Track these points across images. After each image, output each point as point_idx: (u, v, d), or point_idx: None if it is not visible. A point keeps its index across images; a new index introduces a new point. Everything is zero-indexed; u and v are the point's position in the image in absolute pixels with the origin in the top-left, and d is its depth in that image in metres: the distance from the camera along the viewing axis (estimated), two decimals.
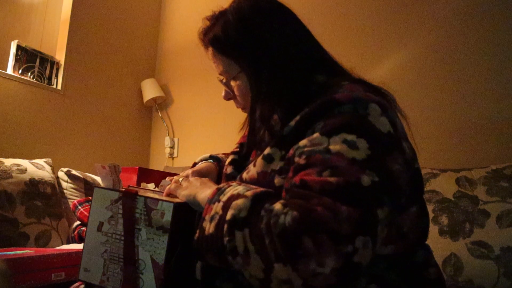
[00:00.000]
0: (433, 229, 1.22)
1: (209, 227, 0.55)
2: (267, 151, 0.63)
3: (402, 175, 0.55)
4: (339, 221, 0.45)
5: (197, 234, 0.58)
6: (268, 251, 0.47)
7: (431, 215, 1.24)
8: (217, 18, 0.72)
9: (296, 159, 0.56)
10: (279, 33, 0.68)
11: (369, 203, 0.48)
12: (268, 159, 0.63)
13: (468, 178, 1.26)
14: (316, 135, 0.56)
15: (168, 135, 2.53)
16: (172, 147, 2.50)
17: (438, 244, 1.19)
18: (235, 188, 0.58)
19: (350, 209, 0.46)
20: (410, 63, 1.72)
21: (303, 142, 0.57)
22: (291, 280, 0.46)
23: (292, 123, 0.61)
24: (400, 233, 0.59)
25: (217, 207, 0.56)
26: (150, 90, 2.47)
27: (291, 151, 0.59)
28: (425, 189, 1.31)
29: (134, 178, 1.67)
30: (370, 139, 0.53)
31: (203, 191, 0.65)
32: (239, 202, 0.53)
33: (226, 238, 0.52)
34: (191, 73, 2.50)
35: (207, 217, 0.57)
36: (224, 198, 0.57)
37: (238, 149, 0.84)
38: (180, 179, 0.74)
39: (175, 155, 2.49)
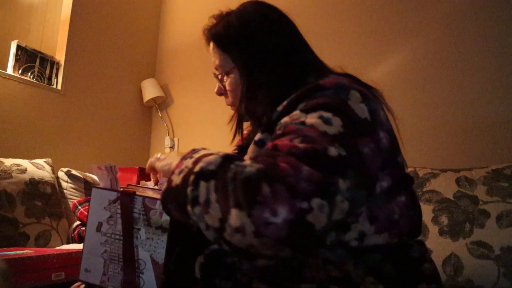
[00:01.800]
0: (433, 229, 1.22)
1: (176, 179, 0.57)
2: (258, 136, 0.66)
3: (371, 159, 0.56)
4: (299, 178, 0.47)
5: (164, 187, 0.60)
6: (228, 197, 0.49)
7: (431, 215, 1.24)
8: (223, 18, 0.78)
9: (276, 132, 0.60)
10: (275, 40, 0.73)
11: (331, 170, 0.50)
12: (260, 144, 0.65)
13: (468, 178, 1.26)
14: (296, 111, 0.59)
15: (168, 135, 2.53)
16: (172, 147, 2.50)
17: (438, 244, 1.19)
18: (210, 151, 0.60)
19: (311, 170, 0.48)
20: (410, 63, 1.72)
21: (284, 119, 0.60)
22: (244, 227, 0.47)
23: (280, 108, 0.64)
24: (391, 220, 0.60)
25: (188, 162, 0.58)
26: (150, 90, 2.47)
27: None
28: (425, 189, 1.31)
29: (134, 178, 1.68)
30: (345, 119, 0.55)
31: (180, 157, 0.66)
32: (210, 157, 0.55)
33: (190, 188, 0.53)
34: (191, 73, 2.50)
35: (177, 171, 0.58)
36: (196, 155, 0.59)
37: (236, 151, 0.86)
38: (159, 154, 0.75)
39: None
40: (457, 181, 1.27)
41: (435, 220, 1.23)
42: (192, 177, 0.54)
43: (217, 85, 0.82)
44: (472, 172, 1.28)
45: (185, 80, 2.53)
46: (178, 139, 2.51)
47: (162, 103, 2.60)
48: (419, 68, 1.69)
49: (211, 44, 0.79)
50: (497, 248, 1.10)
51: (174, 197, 0.56)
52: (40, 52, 2.00)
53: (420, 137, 1.65)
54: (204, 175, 0.53)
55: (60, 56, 2.10)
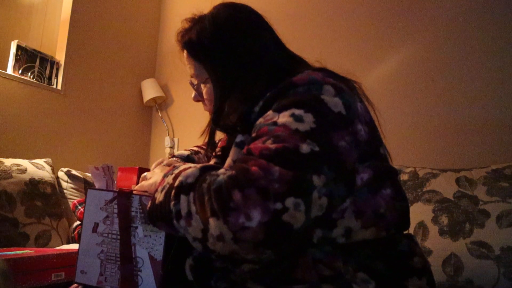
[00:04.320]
0: (433, 229, 1.22)
1: (159, 196, 0.58)
2: (238, 138, 0.67)
3: (347, 152, 0.55)
4: (270, 180, 0.47)
5: (149, 205, 0.61)
6: (205, 207, 0.49)
7: (431, 215, 1.24)
8: (195, 22, 0.76)
9: (252, 135, 0.60)
10: (249, 45, 0.72)
11: (304, 168, 0.49)
12: (241, 146, 0.66)
13: (468, 178, 1.26)
14: (269, 112, 0.59)
15: (168, 135, 2.53)
16: (172, 147, 2.50)
17: (438, 244, 1.18)
18: (189, 165, 0.61)
19: (282, 171, 0.48)
20: (411, 63, 1.72)
21: (259, 121, 0.60)
22: (223, 235, 0.47)
23: (257, 108, 0.64)
24: (378, 214, 0.60)
25: (169, 178, 0.59)
26: (150, 90, 2.47)
27: None
28: (425, 189, 1.31)
29: (134, 178, 1.67)
30: (318, 115, 0.55)
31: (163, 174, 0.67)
32: (188, 171, 0.56)
33: (172, 202, 0.54)
34: None
35: (159, 188, 0.60)
36: (176, 171, 0.60)
37: (220, 153, 0.86)
38: (146, 174, 0.78)
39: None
40: (457, 181, 1.27)
41: (435, 220, 1.23)
42: (173, 192, 0.55)
43: (193, 92, 0.82)
44: (472, 172, 1.28)
45: (185, 80, 2.52)
46: (178, 139, 2.51)
47: (162, 103, 2.60)
48: (419, 69, 1.69)
49: (185, 52, 0.78)
50: (497, 248, 1.09)
51: (159, 213, 0.58)
52: (40, 52, 2.00)
53: (420, 137, 1.65)
54: (183, 188, 0.54)
55: (60, 56, 2.10)
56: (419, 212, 1.27)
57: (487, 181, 1.22)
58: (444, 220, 1.21)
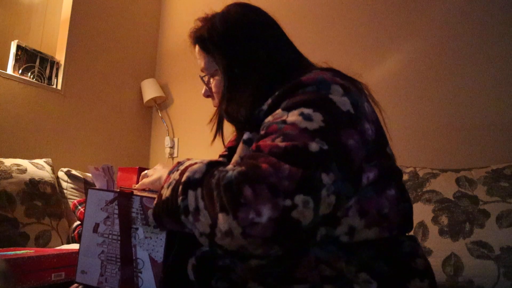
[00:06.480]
0: (433, 229, 1.22)
1: (166, 192, 0.59)
2: (246, 136, 0.67)
3: (355, 150, 0.56)
4: (280, 177, 0.48)
5: (155, 201, 0.61)
6: (214, 202, 0.50)
7: (431, 215, 1.24)
8: (207, 21, 0.79)
9: (260, 132, 0.60)
10: (257, 42, 0.74)
11: (313, 166, 0.50)
12: (249, 142, 0.66)
13: (468, 178, 1.26)
14: (278, 110, 0.60)
15: (168, 135, 2.53)
16: (172, 147, 2.50)
17: (438, 244, 1.19)
18: (194, 160, 0.62)
19: (292, 168, 0.49)
20: (411, 64, 1.72)
21: (268, 119, 0.61)
22: (232, 230, 0.48)
23: (265, 107, 0.65)
24: (382, 214, 0.60)
25: (175, 175, 0.60)
26: (150, 90, 2.47)
27: None
28: (425, 189, 1.31)
29: (134, 178, 1.67)
30: (326, 114, 0.56)
31: (167, 170, 0.68)
32: (195, 166, 0.57)
33: (180, 198, 0.55)
34: (191, 73, 2.50)
35: (165, 185, 0.61)
36: (182, 167, 0.60)
37: (226, 152, 0.87)
38: (146, 172, 0.79)
39: (175, 155, 2.49)
40: (457, 181, 1.27)
41: (435, 220, 1.23)
42: (180, 188, 0.56)
43: (204, 87, 0.84)
44: (472, 172, 1.28)
45: (185, 80, 2.53)
46: (178, 139, 2.51)
47: (162, 103, 2.60)
48: (419, 69, 1.69)
49: (196, 47, 0.80)
50: (497, 248, 1.09)
51: (166, 210, 0.58)
52: (40, 52, 2.00)
53: (420, 137, 1.65)
54: (191, 184, 0.55)
55: (60, 56, 2.10)
56: (419, 212, 1.27)
57: (487, 181, 1.22)
58: (444, 220, 1.21)
